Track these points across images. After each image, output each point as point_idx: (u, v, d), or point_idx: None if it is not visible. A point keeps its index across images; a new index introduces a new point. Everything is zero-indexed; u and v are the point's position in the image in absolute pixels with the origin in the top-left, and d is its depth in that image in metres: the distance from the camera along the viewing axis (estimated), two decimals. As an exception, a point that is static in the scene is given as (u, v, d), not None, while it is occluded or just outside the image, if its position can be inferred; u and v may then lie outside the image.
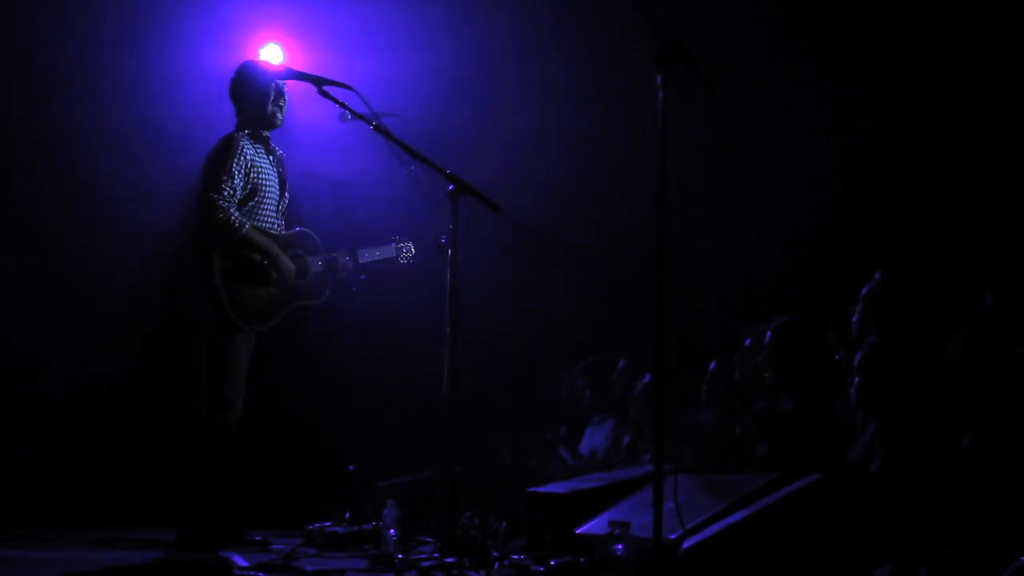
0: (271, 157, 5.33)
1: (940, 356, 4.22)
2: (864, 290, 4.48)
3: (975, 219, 5.77)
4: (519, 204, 6.00)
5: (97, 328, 7.29)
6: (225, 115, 5.48)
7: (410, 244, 5.88)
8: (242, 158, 5.13)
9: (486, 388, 6.86)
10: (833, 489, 3.83)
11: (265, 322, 5.13)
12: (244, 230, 5.05)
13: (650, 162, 3.39)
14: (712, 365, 5.83)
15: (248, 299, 5.05)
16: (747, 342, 5.55)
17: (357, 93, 4.62)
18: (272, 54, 7.11)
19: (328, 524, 5.68)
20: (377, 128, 4.61)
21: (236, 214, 5.06)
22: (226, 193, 5.05)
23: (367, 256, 5.70)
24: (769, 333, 4.95)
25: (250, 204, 5.15)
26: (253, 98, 5.33)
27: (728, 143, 6.61)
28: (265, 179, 5.22)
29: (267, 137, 5.35)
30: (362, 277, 5.70)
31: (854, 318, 4.50)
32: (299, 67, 5.72)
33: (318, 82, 4.68)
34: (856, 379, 4.23)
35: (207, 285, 4.98)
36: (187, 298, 5.11)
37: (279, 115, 5.39)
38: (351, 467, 6.23)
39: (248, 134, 5.27)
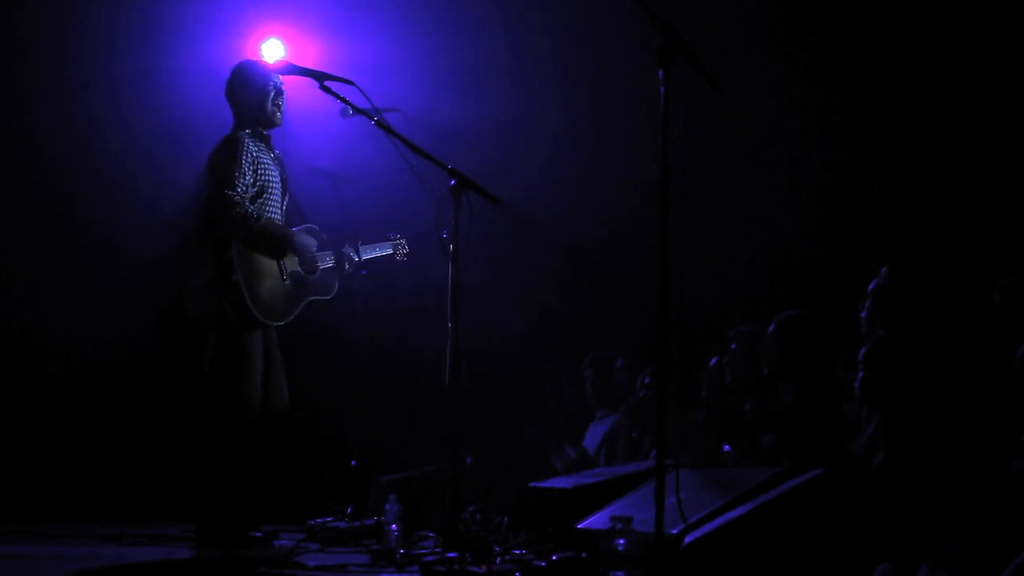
0: (272, 155, 5.32)
1: (945, 352, 4.22)
2: (871, 285, 4.48)
3: (974, 219, 5.78)
4: (520, 199, 6.00)
5: (100, 326, 7.28)
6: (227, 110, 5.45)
7: (404, 242, 5.89)
8: (249, 156, 5.10)
9: (487, 382, 6.85)
10: (836, 484, 3.83)
11: (282, 317, 5.11)
12: (261, 222, 5.01)
13: (651, 159, 3.39)
14: (713, 361, 5.83)
15: (266, 295, 5.03)
16: (732, 346, 5.55)
17: (359, 88, 4.61)
18: (273, 49, 7.11)
19: (330, 519, 5.68)
20: (378, 123, 4.61)
21: (251, 208, 5.02)
22: (240, 190, 5.02)
23: (367, 253, 5.72)
24: (772, 326, 4.94)
25: (258, 202, 5.12)
26: (252, 98, 5.28)
27: (729, 140, 6.62)
28: (270, 177, 5.20)
29: (268, 136, 5.32)
30: (363, 272, 5.72)
31: (863, 314, 4.49)
32: (300, 62, 5.68)
33: (319, 77, 4.67)
34: (860, 373, 4.23)
35: (227, 281, 4.93)
36: (203, 295, 5.05)
37: (278, 114, 5.35)
38: (353, 462, 6.23)
39: (249, 133, 5.24)
